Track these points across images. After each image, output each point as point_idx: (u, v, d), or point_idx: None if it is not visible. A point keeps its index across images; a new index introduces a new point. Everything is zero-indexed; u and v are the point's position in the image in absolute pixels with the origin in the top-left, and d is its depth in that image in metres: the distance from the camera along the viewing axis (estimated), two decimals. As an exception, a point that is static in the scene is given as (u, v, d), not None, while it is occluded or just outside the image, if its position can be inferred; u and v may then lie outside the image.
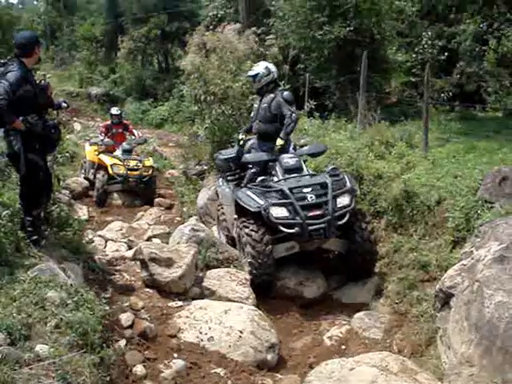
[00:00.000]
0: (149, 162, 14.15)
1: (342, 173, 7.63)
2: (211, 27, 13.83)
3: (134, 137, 14.61)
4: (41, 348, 3.90)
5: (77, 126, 23.03)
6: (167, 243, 7.90)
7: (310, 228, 6.88)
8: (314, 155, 8.45)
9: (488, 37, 15.41)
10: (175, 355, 5.32)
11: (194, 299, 6.37)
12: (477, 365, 4.77)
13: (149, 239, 9.43)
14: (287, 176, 7.49)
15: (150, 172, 13.81)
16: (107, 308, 5.15)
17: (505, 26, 15.15)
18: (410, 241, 7.23)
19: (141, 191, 13.63)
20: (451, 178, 7.49)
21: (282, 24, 17.56)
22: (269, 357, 5.72)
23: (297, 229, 6.90)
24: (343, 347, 6.14)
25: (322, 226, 6.91)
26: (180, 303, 6.24)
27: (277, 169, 7.68)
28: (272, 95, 8.14)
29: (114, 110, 14.90)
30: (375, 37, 16.07)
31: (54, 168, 6.68)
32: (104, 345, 4.43)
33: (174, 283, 6.44)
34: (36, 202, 5.99)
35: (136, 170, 13.53)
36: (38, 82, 6.03)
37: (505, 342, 4.64)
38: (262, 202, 7.01)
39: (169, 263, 6.51)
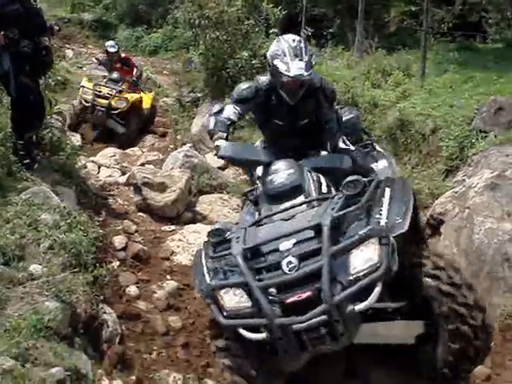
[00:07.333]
0: (132, 96, 11.79)
1: (386, 180, 3.94)
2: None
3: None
4: (34, 268, 3.95)
5: (69, 53, 22.55)
6: (161, 169, 7.90)
7: (294, 328, 3.29)
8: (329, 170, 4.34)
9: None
10: (168, 277, 5.42)
11: (186, 224, 6.44)
12: (464, 289, 4.87)
13: (142, 165, 9.39)
14: (274, 208, 3.94)
15: (124, 106, 11.50)
16: (100, 231, 5.21)
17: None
18: (403, 169, 7.22)
19: (113, 127, 11.62)
20: (447, 107, 7.44)
21: None
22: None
23: (266, 334, 3.39)
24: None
25: (315, 324, 3.27)
26: (173, 227, 6.32)
27: (261, 192, 4.26)
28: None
29: (110, 47, 12.75)
30: (376, -38, 15.63)
31: (45, 92, 6.58)
32: (97, 265, 4.49)
33: (167, 207, 6.50)
34: (28, 125, 5.94)
35: (105, 98, 11.46)
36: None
37: (492, 267, 4.72)
38: (208, 280, 3.64)
39: (162, 188, 6.54)
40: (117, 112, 11.53)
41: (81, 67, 19.40)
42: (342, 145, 4.57)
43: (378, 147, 5.07)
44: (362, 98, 8.44)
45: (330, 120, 4.58)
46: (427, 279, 3.47)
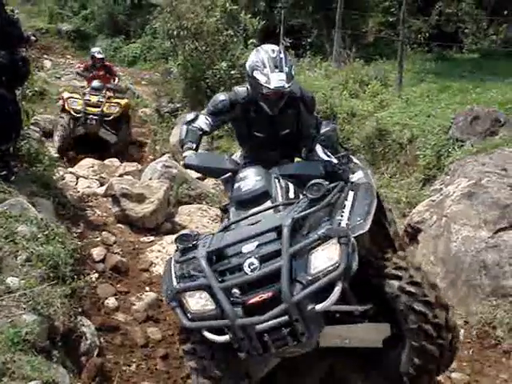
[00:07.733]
0: (122, 100, 11.69)
1: (351, 185, 3.93)
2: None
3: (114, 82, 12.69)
4: (11, 280, 3.89)
5: (47, 64, 22.40)
6: (139, 180, 7.86)
7: (258, 328, 3.20)
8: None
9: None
10: (147, 288, 5.37)
11: (165, 234, 6.41)
12: (442, 297, 4.91)
13: (121, 176, 9.33)
14: (242, 214, 3.91)
15: (117, 110, 11.29)
16: (78, 242, 5.17)
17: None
18: (381, 178, 7.29)
19: (106, 137, 11.29)
20: (424, 116, 7.53)
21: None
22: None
23: (229, 336, 3.30)
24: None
25: (276, 324, 3.19)
26: (152, 238, 6.29)
27: (230, 199, 4.27)
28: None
29: (97, 53, 12.58)
30: (353, -27, 15.77)
31: (22, 103, 6.53)
32: (75, 277, 4.45)
33: (146, 218, 6.46)
34: (5, 136, 5.87)
35: (96, 106, 11.22)
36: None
37: (469, 275, 4.78)
38: (174, 285, 3.51)
39: (140, 199, 6.51)
40: (109, 119, 11.23)
41: (59, 77, 19.29)
42: (324, 156, 4.53)
43: (354, 159, 5.09)
44: (340, 108, 8.51)
45: (310, 126, 4.52)
46: (389, 279, 3.46)
